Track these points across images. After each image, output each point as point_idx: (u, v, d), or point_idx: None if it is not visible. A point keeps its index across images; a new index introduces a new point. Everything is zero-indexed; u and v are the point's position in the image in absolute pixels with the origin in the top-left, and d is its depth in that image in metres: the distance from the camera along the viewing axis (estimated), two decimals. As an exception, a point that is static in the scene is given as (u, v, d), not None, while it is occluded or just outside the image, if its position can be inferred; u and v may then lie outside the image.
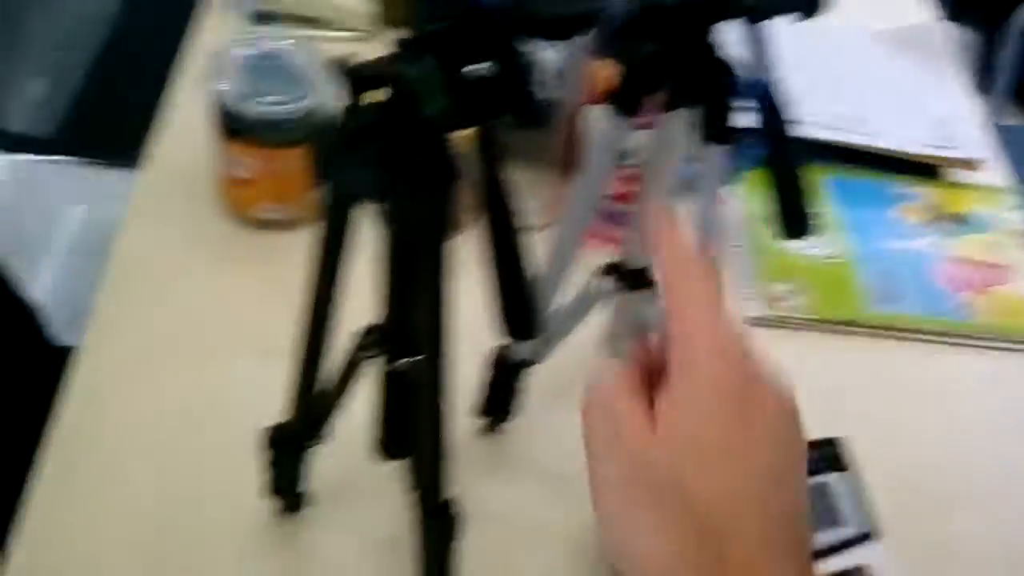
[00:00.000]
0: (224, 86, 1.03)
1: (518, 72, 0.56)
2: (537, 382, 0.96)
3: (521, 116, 0.58)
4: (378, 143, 0.60)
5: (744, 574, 0.44)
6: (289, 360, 0.79)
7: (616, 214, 1.08)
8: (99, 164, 1.67)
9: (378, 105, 0.60)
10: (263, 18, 1.35)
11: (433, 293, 0.67)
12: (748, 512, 0.45)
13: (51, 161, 1.68)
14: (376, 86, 0.59)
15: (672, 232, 0.51)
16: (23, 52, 1.80)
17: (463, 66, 0.55)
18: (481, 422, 0.98)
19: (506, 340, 0.79)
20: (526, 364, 0.94)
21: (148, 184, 1.17)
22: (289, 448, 0.85)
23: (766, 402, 0.47)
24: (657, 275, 0.52)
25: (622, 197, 1.09)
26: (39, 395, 1.28)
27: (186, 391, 0.99)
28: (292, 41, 1.08)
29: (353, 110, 0.61)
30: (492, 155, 0.60)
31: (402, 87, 0.57)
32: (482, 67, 0.55)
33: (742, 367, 0.47)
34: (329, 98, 1.05)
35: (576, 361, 0.98)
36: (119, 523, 0.90)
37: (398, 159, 0.60)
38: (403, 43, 0.56)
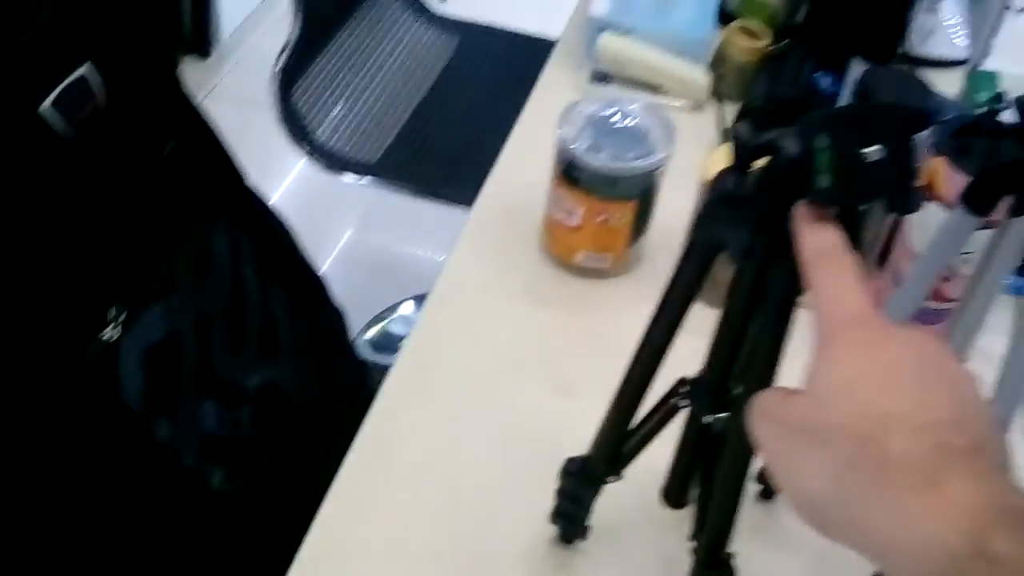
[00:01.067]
0: (569, 136, 1.10)
1: (907, 160, 0.59)
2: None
3: (898, 202, 0.61)
4: (757, 206, 0.64)
5: (904, 466, 0.47)
6: (586, 398, 0.83)
7: (929, 313, 1.09)
8: (415, 194, 1.77)
9: (763, 172, 0.64)
10: (602, 79, 1.41)
11: (770, 356, 0.70)
12: (896, 422, 0.48)
13: (360, 184, 1.79)
14: (765, 154, 0.63)
15: (815, 225, 0.58)
16: (358, 75, 1.93)
17: (856, 145, 0.58)
18: (761, 487, 1.01)
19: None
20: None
21: (479, 219, 1.25)
22: (586, 480, 0.89)
23: (900, 342, 0.52)
24: (800, 260, 0.57)
25: (937, 296, 1.10)
26: (339, 398, 1.37)
27: (488, 418, 1.05)
28: (636, 103, 1.14)
29: (736, 173, 0.65)
30: (856, 234, 0.64)
31: (793, 159, 0.60)
32: (874, 149, 0.58)
33: (876, 326, 0.53)
34: (664, 159, 1.10)
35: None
36: (411, 529, 0.97)
37: (771, 224, 0.64)
38: (802, 119, 0.60)
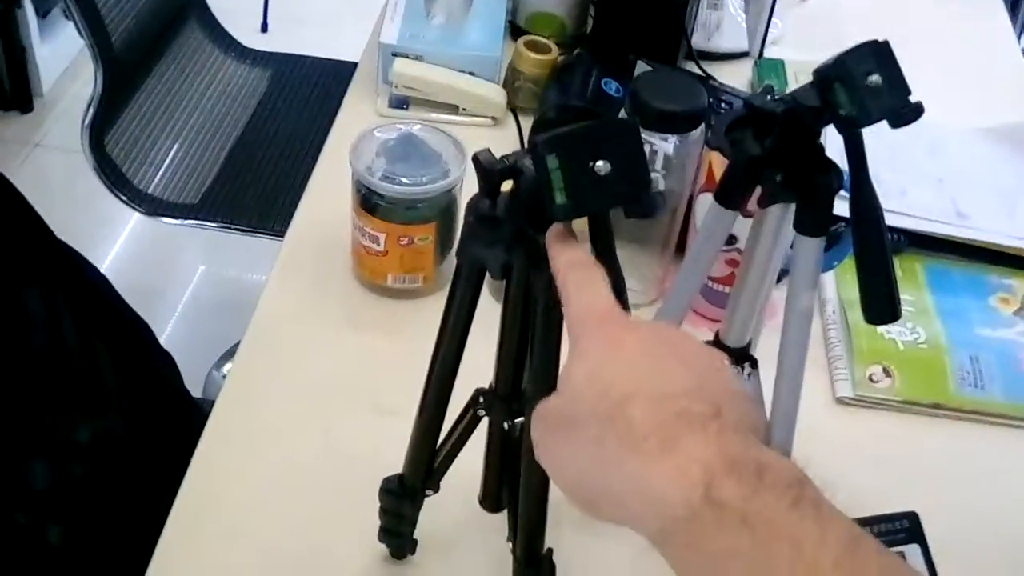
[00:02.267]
0: (363, 166, 1.13)
1: (635, 170, 0.64)
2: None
3: (635, 208, 0.66)
4: (509, 226, 0.69)
5: (646, 433, 0.51)
6: (407, 417, 0.87)
7: (717, 294, 1.16)
8: (237, 230, 1.78)
9: (509, 193, 0.68)
10: (401, 104, 1.46)
11: (546, 362, 0.74)
12: (638, 397, 0.53)
13: (185, 224, 1.80)
14: (508, 177, 0.68)
15: (563, 242, 0.64)
16: (173, 117, 1.94)
17: (585, 162, 0.63)
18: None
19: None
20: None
21: (290, 250, 1.28)
22: (405, 497, 0.93)
23: (642, 332, 0.58)
24: (554, 275, 0.63)
25: (724, 279, 1.16)
26: (172, 441, 1.38)
27: (312, 445, 1.08)
28: (427, 125, 1.18)
29: (486, 196, 0.69)
30: (604, 238, 0.69)
31: (530, 181, 0.65)
32: (600, 164, 0.63)
33: (621, 322, 0.59)
34: (457, 180, 1.14)
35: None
36: (245, 570, 0.99)
37: (523, 241, 0.68)
38: (532, 142, 0.65)
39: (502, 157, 0.69)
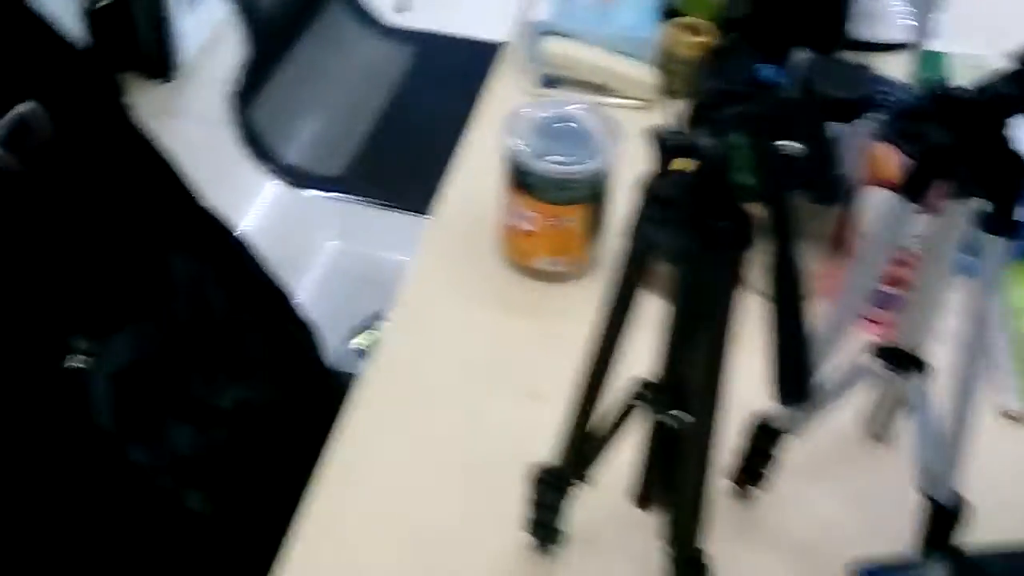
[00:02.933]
0: (517, 143, 1.11)
1: (824, 152, 0.60)
2: (792, 454, 0.99)
3: (821, 193, 0.62)
4: (682, 207, 0.65)
5: None
6: (555, 404, 0.85)
7: (886, 297, 1.11)
8: (379, 205, 1.78)
9: (685, 172, 0.65)
10: (551, 82, 1.43)
11: (714, 353, 0.71)
12: None
13: (329, 197, 1.80)
14: (685, 155, 0.64)
15: None
16: (316, 91, 1.94)
17: (772, 141, 0.59)
18: (733, 486, 1.02)
19: (772, 407, 0.84)
20: (784, 434, 0.97)
21: (437, 228, 1.26)
22: (554, 487, 0.91)
23: None
24: None
25: (894, 281, 1.11)
26: (312, 412, 1.38)
27: (458, 426, 1.07)
28: (581, 105, 1.15)
29: (662, 175, 0.66)
30: (786, 226, 0.65)
31: (713, 159, 0.62)
32: (788, 144, 0.59)
33: None
34: (612, 161, 1.11)
35: (833, 438, 1.00)
36: (385, 545, 0.98)
37: (700, 224, 0.65)
38: (716, 119, 0.61)
39: (676, 132, 0.65)
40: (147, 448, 1.13)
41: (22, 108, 1.04)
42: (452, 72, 2.08)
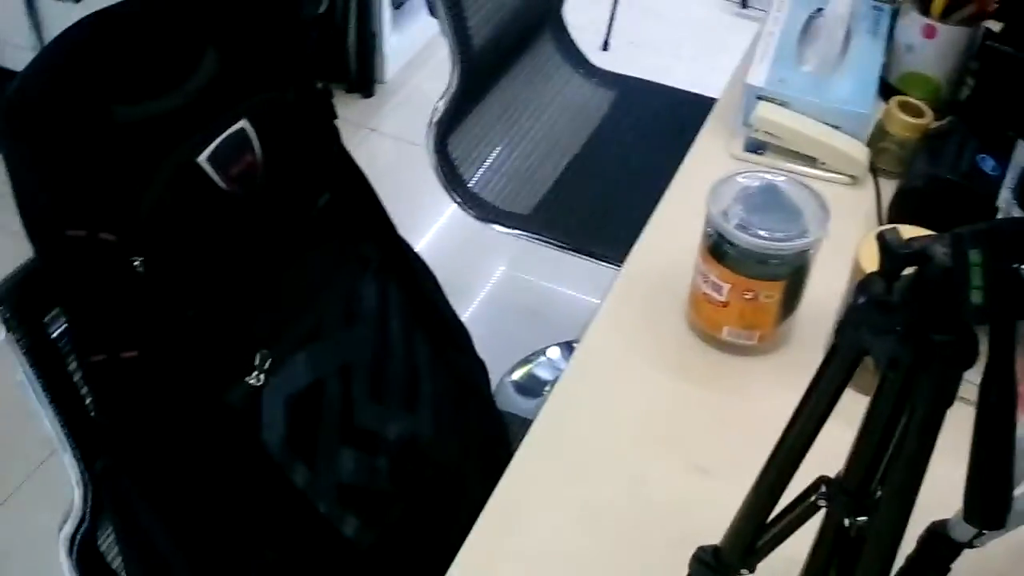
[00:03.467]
0: (720, 211, 1.08)
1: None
2: (965, 567, 0.94)
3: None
4: (903, 316, 0.62)
5: None
6: (724, 481, 0.82)
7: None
8: (565, 248, 1.77)
9: (912, 281, 0.62)
10: (758, 147, 1.40)
11: (914, 466, 0.68)
12: None
13: (514, 234, 1.80)
14: (915, 263, 0.61)
15: None
16: (514, 126, 1.94)
17: (1012, 262, 0.56)
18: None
19: (955, 518, 0.79)
20: (962, 546, 0.92)
21: (627, 281, 1.24)
22: (716, 571, 0.88)
23: None
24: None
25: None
26: (477, 451, 1.37)
27: (621, 492, 1.04)
28: (790, 178, 1.12)
29: (884, 279, 0.63)
30: (1010, 351, 0.62)
31: (945, 273, 0.59)
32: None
33: None
34: (817, 241, 1.08)
35: (1013, 553, 0.95)
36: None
37: (920, 335, 0.62)
38: (955, 232, 0.58)
39: (909, 239, 0.63)
40: (310, 471, 1.14)
41: (234, 128, 1.06)
42: (652, 120, 2.06)
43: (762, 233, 1.07)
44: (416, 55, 3.35)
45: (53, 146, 0.97)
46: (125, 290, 1.00)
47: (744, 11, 3.65)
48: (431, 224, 2.80)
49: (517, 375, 2.50)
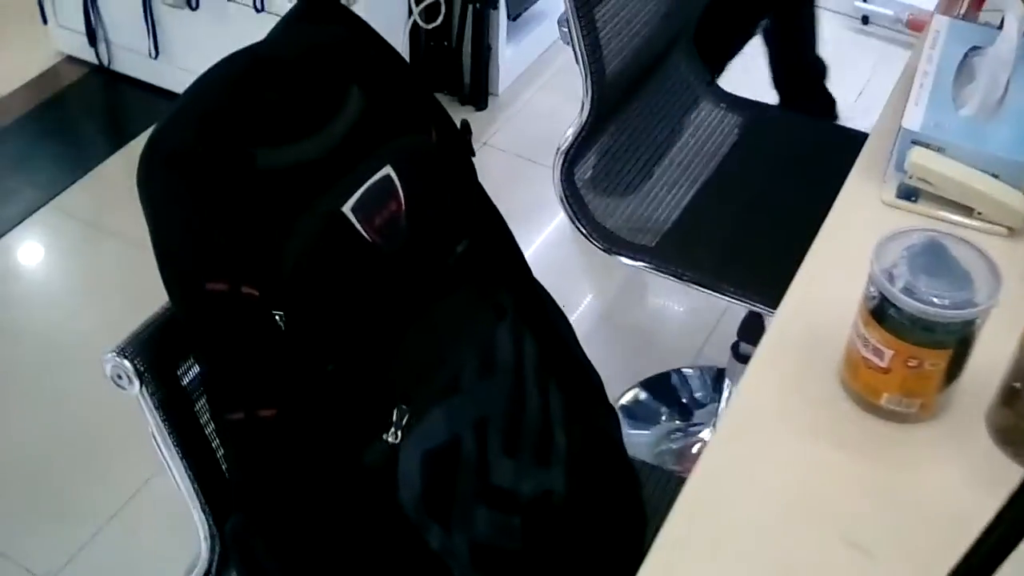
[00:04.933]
0: (885, 270, 1.03)
1: None
2: None
3: None
4: None
5: None
6: (878, 562, 0.76)
7: None
8: (691, 284, 1.72)
9: None
10: (910, 195, 1.33)
11: None
12: None
13: (639, 267, 1.75)
14: None
15: None
16: (641, 154, 1.89)
17: None
18: None
19: None
20: None
21: (777, 332, 1.19)
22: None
23: None
24: None
25: None
26: (612, 509, 1.32)
27: (765, 560, 0.99)
28: (955, 236, 1.06)
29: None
30: None
31: None
32: None
33: None
34: (988, 309, 1.02)
35: None
36: None
37: None
38: None
39: None
40: (445, 532, 1.10)
41: (379, 175, 1.03)
42: (784, 150, 1.99)
43: (932, 299, 1.00)
44: (529, 67, 3.32)
45: (196, 194, 0.94)
46: (265, 345, 0.97)
47: (865, 27, 3.55)
48: (540, 237, 2.76)
49: (627, 400, 2.45)
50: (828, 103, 2.68)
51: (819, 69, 2.68)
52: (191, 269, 0.95)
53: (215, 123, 0.96)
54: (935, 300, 1.01)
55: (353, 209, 1.01)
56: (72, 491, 2.17)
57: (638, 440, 2.36)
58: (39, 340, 2.44)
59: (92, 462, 2.20)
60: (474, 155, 1.21)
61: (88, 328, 2.36)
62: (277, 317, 0.97)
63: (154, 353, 1.01)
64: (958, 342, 1.04)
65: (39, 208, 2.79)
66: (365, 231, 1.02)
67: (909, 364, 1.04)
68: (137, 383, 1.00)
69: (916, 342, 1.03)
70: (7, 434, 2.26)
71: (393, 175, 1.05)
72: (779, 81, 2.59)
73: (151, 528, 2.06)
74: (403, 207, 1.06)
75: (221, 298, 0.95)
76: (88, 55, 3.17)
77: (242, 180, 0.96)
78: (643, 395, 2.47)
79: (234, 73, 0.99)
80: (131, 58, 3.11)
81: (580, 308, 2.64)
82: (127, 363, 0.99)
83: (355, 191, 1.01)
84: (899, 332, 1.03)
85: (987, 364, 1.07)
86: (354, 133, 1.05)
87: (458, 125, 1.20)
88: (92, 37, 3.10)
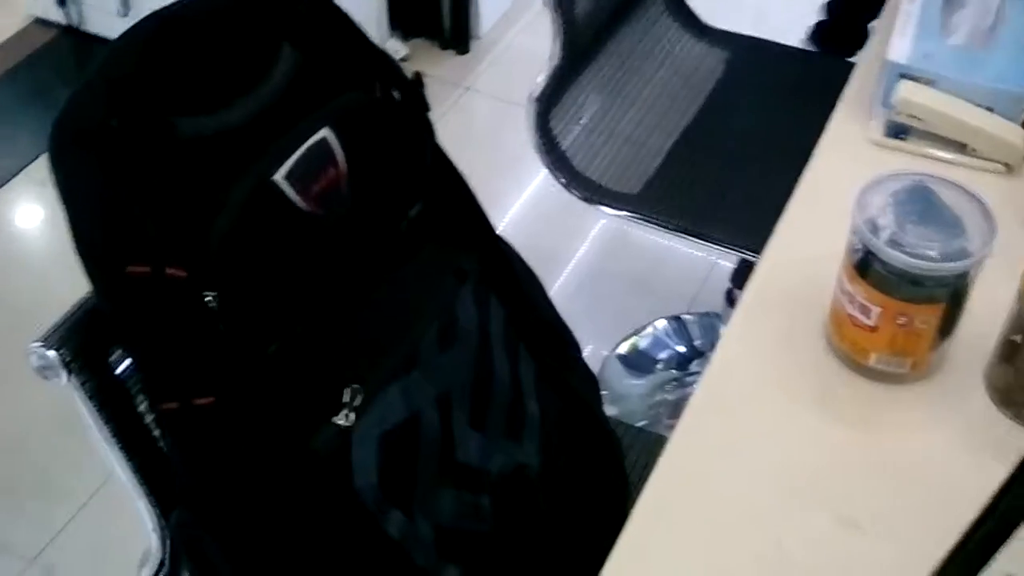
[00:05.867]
0: (868, 221, 0.94)
1: None
2: None
3: None
4: None
5: None
6: (872, 537, 0.69)
7: None
8: (676, 232, 1.64)
9: None
10: (899, 131, 1.25)
11: None
12: None
13: (622, 216, 1.67)
14: None
15: None
16: (621, 98, 1.81)
17: None
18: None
19: None
20: None
21: (758, 288, 1.11)
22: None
23: None
24: None
25: None
26: (590, 480, 1.25)
27: (752, 547, 0.92)
28: (944, 179, 0.98)
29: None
30: None
31: None
32: None
33: None
34: (982, 258, 0.93)
35: None
36: None
37: None
38: None
39: None
40: (407, 519, 1.02)
41: (315, 138, 0.95)
42: (771, 85, 1.90)
43: (920, 251, 0.92)
44: (512, 7, 3.21)
45: (110, 171, 0.86)
46: (197, 330, 0.89)
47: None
48: (529, 185, 2.68)
49: (623, 349, 2.38)
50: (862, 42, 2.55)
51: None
52: (109, 253, 0.87)
53: (126, 93, 0.88)
54: (923, 252, 0.93)
55: (286, 177, 0.92)
56: (54, 469, 2.11)
57: (633, 391, 2.28)
58: (13, 312, 2.38)
59: (72, 439, 2.13)
60: (428, 110, 1.12)
61: (64, 299, 2.28)
62: (209, 298, 0.89)
63: (82, 341, 0.94)
64: (950, 296, 0.96)
65: (12, 177, 2.71)
66: (300, 200, 0.94)
67: (898, 321, 0.96)
68: (64, 374, 0.93)
69: (904, 298, 0.95)
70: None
71: (331, 137, 0.96)
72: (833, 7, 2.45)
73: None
74: (344, 172, 0.97)
75: (144, 282, 0.87)
76: (58, 16, 3.08)
77: (161, 153, 0.88)
78: (643, 343, 2.39)
79: (144, 38, 0.90)
80: (101, 17, 3.01)
81: (576, 256, 2.56)
82: (51, 353, 0.92)
83: (288, 157, 0.93)
84: (886, 287, 0.95)
85: (984, 317, 1.00)
86: (288, 94, 0.97)
87: (419, 77, 1.11)
88: (61, -2, 3.01)
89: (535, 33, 3.11)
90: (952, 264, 0.92)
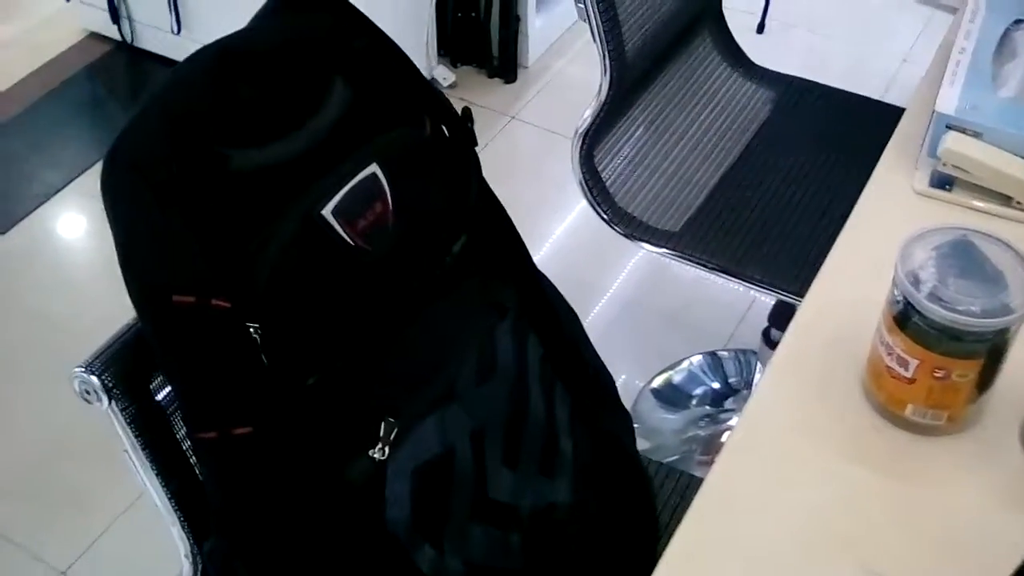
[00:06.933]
0: (911, 274, 0.95)
1: None
2: None
3: None
4: None
5: None
6: None
7: None
8: (716, 271, 1.64)
9: None
10: (944, 182, 1.25)
11: None
12: None
13: (663, 254, 1.67)
14: None
15: None
16: (667, 134, 1.81)
17: None
18: None
19: None
20: None
21: (798, 332, 1.12)
22: None
23: None
24: None
25: None
26: (622, 521, 1.25)
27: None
28: (986, 234, 0.98)
29: None
30: None
31: None
32: None
33: None
34: (1020, 308, 0.93)
35: None
36: None
37: None
38: None
39: None
40: (437, 552, 1.03)
41: (363, 174, 0.96)
42: (818, 127, 1.90)
43: (961, 306, 0.92)
44: (560, 38, 3.23)
45: (163, 201, 0.87)
46: (239, 361, 0.90)
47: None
48: (570, 213, 2.69)
49: (658, 383, 2.37)
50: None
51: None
52: (156, 282, 0.88)
53: (182, 123, 0.89)
54: (964, 307, 0.92)
55: (334, 212, 0.94)
56: (88, 484, 2.13)
57: (666, 425, 2.28)
58: (58, 325, 2.40)
59: (108, 455, 2.16)
60: (476, 144, 1.13)
61: (109, 313, 2.30)
62: (252, 330, 0.90)
63: (124, 367, 0.95)
64: (989, 351, 0.95)
65: (61, 189, 2.75)
66: (347, 235, 0.95)
67: (936, 374, 0.96)
68: (106, 399, 0.94)
69: (943, 352, 0.95)
70: (23, 423, 2.23)
71: (379, 173, 0.98)
72: None
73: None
74: (391, 208, 0.99)
75: (189, 312, 0.88)
76: (111, 32, 3.12)
77: (213, 184, 0.90)
78: (677, 378, 2.39)
79: (202, 69, 0.92)
80: (154, 35, 3.05)
81: (614, 287, 2.56)
82: (94, 379, 0.94)
83: (336, 192, 0.94)
84: (925, 341, 0.95)
85: (1021, 370, 0.99)
86: (339, 129, 0.98)
87: (469, 113, 1.12)
88: (115, 14, 3.04)
89: (583, 64, 3.13)
90: (993, 320, 0.92)
